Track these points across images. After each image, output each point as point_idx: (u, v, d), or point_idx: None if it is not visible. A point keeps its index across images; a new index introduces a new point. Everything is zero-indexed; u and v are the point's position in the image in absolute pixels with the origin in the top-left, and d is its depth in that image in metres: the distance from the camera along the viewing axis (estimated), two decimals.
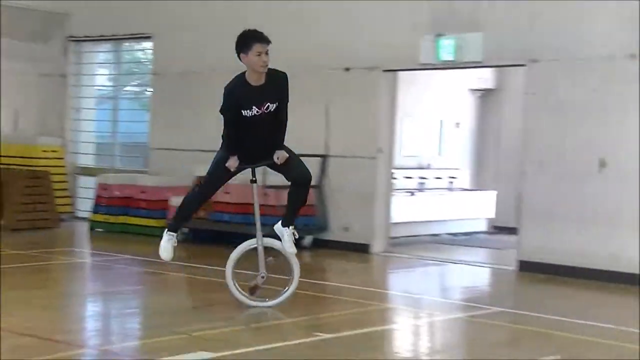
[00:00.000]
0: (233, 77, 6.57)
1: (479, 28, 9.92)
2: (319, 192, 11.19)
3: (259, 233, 6.76)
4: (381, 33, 10.60)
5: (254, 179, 6.79)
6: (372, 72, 10.71)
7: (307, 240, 11.12)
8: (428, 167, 13.49)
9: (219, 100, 6.63)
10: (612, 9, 9.16)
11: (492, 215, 13.45)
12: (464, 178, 13.88)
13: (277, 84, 6.54)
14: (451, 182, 13.52)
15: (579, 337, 6.48)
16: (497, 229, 13.40)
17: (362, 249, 10.78)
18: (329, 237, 11.06)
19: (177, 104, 12.57)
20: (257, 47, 6.36)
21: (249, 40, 6.40)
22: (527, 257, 9.64)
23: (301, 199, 6.78)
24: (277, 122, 6.60)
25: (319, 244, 11.02)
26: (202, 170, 11.71)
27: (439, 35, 10.13)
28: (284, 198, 12.31)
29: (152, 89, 13.12)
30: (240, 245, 6.87)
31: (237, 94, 6.47)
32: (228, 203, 11.18)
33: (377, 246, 10.89)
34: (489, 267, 10.47)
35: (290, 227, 6.72)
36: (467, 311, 7.46)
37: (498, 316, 7.26)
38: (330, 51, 11.05)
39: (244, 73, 6.54)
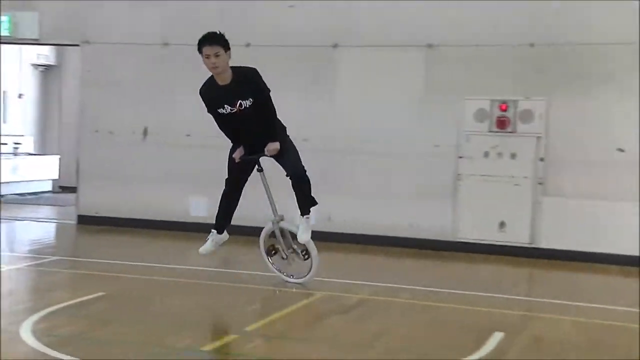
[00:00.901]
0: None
1: (34, 8, 9.60)
2: None
3: (275, 218, 6.47)
4: None
5: (259, 167, 6.31)
6: None
7: None
8: None
9: None
10: None
11: (56, 176, 13.26)
12: (29, 144, 13.46)
13: (245, 81, 5.94)
14: (16, 148, 13.03)
15: (125, 275, 6.74)
16: (62, 188, 13.23)
17: None
18: None
19: None
20: (205, 50, 5.85)
21: (199, 44, 5.88)
22: (84, 212, 9.70)
23: (302, 192, 6.24)
24: (265, 115, 5.99)
25: None
26: None
27: None
28: None
29: None
30: (263, 231, 6.61)
31: (207, 95, 6.02)
32: None
33: None
34: (53, 222, 10.32)
35: (305, 216, 6.30)
36: (31, 261, 7.32)
37: (57, 264, 7.25)
38: None
39: (212, 75, 5.94)
